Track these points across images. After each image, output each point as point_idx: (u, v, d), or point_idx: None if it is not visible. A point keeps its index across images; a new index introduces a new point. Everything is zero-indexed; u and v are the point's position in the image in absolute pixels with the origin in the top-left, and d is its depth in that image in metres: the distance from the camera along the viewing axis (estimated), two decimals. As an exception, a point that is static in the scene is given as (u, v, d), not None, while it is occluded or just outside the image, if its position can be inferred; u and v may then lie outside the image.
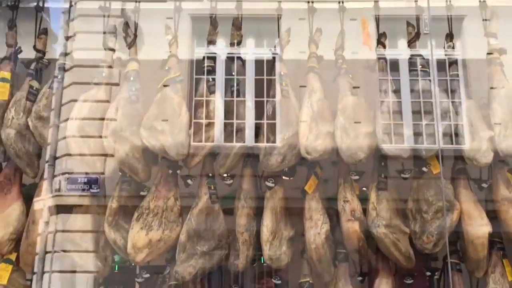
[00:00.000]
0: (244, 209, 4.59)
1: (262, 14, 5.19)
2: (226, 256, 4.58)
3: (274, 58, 4.94)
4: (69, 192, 4.70)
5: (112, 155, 4.63)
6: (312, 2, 4.96)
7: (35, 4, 5.08)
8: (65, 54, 5.02)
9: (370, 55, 4.94)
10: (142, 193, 4.66)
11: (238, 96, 4.77)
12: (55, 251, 4.58)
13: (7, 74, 4.90)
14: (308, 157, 4.50)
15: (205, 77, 4.79)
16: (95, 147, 4.70)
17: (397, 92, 4.80)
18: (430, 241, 4.46)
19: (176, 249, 4.52)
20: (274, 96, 4.76)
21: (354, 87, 4.78)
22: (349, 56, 4.89)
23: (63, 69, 4.95)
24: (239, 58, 4.90)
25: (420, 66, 4.79)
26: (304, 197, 4.63)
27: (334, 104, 4.67)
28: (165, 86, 4.72)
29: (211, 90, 4.75)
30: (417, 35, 4.84)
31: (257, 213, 4.61)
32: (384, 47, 4.85)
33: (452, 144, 4.62)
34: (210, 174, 4.67)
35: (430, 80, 4.75)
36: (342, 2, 4.94)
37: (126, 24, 4.90)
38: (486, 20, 4.88)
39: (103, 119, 4.70)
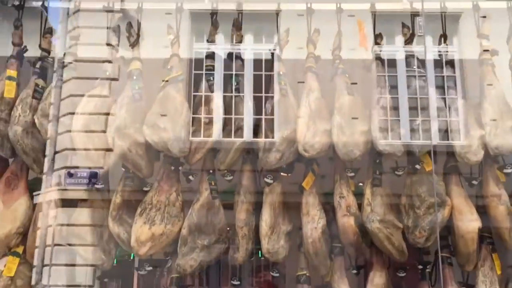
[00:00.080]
0: (243, 205, 4.68)
1: (261, 10, 5.22)
2: (226, 250, 4.67)
3: (272, 56, 5.02)
4: (68, 186, 4.78)
5: (115, 151, 4.68)
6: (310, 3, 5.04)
7: (41, 3, 5.14)
8: (64, 54, 5.09)
9: (366, 55, 5.03)
10: (145, 189, 4.75)
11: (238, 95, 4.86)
12: (55, 245, 4.66)
13: (13, 73, 4.97)
14: (306, 154, 4.60)
15: (203, 72, 4.86)
16: (99, 143, 4.78)
17: (392, 90, 4.88)
18: (422, 236, 4.56)
19: (177, 243, 4.62)
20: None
21: (352, 83, 4.86)
22: (346, 55, 4.97)
23: (63, 65, 5.01)
24: (238, 57, 4.97)
25: (415, 66, 4.88)
26: (302, 193, 4.72)
27: (331, 103, 4.76)
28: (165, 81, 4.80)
29: (211, 89, 4.84)
30: (412, 36, 4.93)
31: (256, 208, 4.70)
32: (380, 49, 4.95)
33: (445, 141, 4.72)
34: (211, 171, 4.77)
35: (424, 80, 4.84)
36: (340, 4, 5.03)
37: (129, 24, 4.97)
38: (482, 17, 4.96)
39: (108, 114, 4.78)
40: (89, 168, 4.81)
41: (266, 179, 4.73)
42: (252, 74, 5.02)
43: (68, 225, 4.75)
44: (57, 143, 4.87)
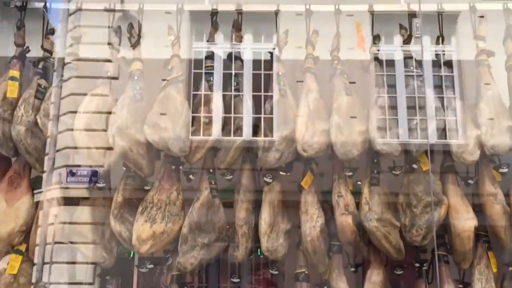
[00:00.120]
0: (243, 203, 4.73)
1: (260, 11, 5.26)
2: (226, 248, 4.72)
3: (272, 56, 5.07)
4: (69, 185, 4.81)
5: (116, 151, 4.71)
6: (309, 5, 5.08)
7: (43, 4, 5.19)
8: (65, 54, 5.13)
9: (364, 56, 5.07)
10: (146, 188, 4.80)
11: (237, 95, 4.90)
12: (55, 243, 4.68)
13: (16, 73, 5.02)
14: (305, 154, 4.66)
15: (203, 72, 4.90)
16: (100, 142, 4.82)
17: (389, 90, 4.92)
18: (419, 234, 4.62)
19: (178, 241, 4.67)
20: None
21: (351, 82, 4.91)
22: (344, 56, 5.01)
23: (63, 64, 5.05)
24: (238, 58, 5.02)
25: (412, 67, 4.94)
26: (301, 192, 4.77)
27: (329, 103, 4.80)
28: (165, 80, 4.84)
29: (211, 89, 4.89)
30: (410, 37, 4.99)
31: (256, 207, 4.75)
32: (377, 49, 4.99)
33: (441, 140, 4.77)
34: (211, 170, 4.81)
35: (421, 81, 4.89)
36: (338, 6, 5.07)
37: (130, 25, 5.01)
38: (480, 17, 5.00)
39: (109, 113, 4.82)
40: (90, 166, 4.85)
41: (265, 178, 4.77)
42: (251, 74, 5.06)
43: (70, 223, 4.80)
44: (58, 141, 4.91)
